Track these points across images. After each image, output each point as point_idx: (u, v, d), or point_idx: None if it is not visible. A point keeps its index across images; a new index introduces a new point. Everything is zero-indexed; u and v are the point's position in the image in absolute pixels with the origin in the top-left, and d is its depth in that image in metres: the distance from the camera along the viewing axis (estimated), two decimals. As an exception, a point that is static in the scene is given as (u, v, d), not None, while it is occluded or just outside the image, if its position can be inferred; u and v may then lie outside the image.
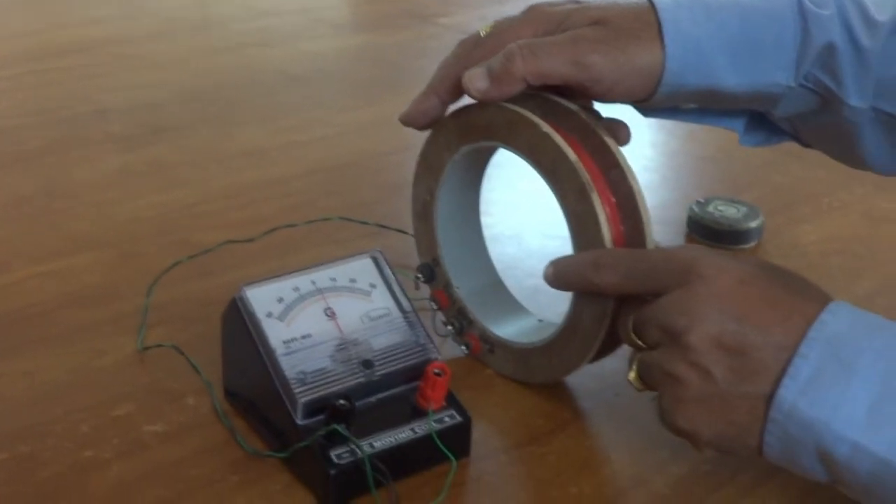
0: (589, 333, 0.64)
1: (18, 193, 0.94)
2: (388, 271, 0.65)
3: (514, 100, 0.65)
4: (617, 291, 0.60)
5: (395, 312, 0.64)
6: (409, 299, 0.65)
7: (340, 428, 0.57)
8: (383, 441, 0.59)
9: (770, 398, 0.53)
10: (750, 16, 0.64)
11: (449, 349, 0.72)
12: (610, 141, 0.63)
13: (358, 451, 0.58)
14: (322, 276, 0.64)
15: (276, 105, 1.18)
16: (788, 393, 0.53)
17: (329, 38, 1.45)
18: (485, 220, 0.75)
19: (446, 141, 0.70)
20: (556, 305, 0.74)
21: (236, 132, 1.10)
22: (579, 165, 0.62)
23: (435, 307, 0.73)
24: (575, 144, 0.63)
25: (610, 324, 0.62)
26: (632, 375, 0.59)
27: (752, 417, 0.54)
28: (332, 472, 0.57)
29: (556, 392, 0.69)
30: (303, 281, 0.63)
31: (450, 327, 0.72)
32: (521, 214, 0.93)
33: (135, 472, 0.61)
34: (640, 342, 0.59)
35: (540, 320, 0.72)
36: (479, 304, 0.72)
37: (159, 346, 0.71)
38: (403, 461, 0.60)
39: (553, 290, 0.76)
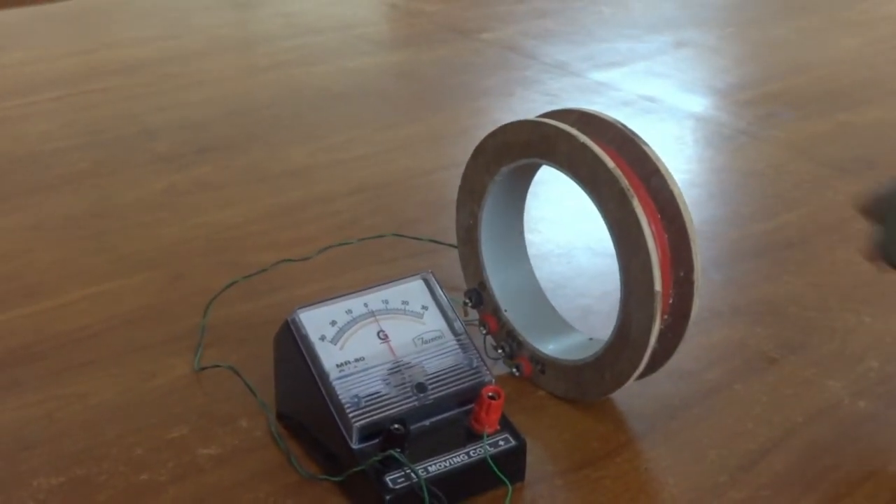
0: (639, 342, 0.63)
1: (67, 215, 0.95)
2: (439, 293, 0.65)
3: (551, 116, 0.65)
4: None
5: (448, 335, 0.64)
6: (461, 321, 0.64)
7: (396, 453, 0.57)
8: (438, 465, 0.59)
9: None
10: None
11: (500, 369, 0.71)
12: (649, 149, 0.64)
13: (414, 475, 0.57)
14: (374, 298, 0.63)
15: (319, 123, 1.18)
16: None
17: (370, 54, 1.45)
18: (532, 237, 0.75)
19: (485, 163, 0.70)
20: (607, 326, 0.73)
21: (280, 151, 1.10)
22: (617, 172, 0.62)
23: (484, 332, 0.72)
24: (613, 154, 0.64)
25: (660, 328, 0.62)
26: None
27: None
28: (388, 497, 0.57)
29: (611, 414, 0.68)
30: (355, 303, 0.63)
31: (500, 351, 0.72)
32: (569, 232, 0.92)
33: (189, 496, 0.61)
34: None
35: (590, 339, 0.71)
36: (528, 325, 0.72)
37: (216, 366, 0.71)
38: (458, 486, 0.59)
39: (604, 310, 0.76)
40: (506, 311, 0.72)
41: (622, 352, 0.65)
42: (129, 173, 1.04)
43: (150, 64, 1.34)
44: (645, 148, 0.64)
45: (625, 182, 0.62)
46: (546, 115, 0.68)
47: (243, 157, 1.08)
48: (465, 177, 0.72)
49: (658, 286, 0.61)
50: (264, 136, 1.14)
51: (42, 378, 0.71)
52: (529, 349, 0.71)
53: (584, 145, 0.63)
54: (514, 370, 0.71)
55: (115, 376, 0.71)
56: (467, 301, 0.73)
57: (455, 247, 0.76)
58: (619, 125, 0.65)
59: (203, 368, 0.71)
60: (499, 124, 0.69)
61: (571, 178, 0.64)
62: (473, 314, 0.73)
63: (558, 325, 0.73)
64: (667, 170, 0.63)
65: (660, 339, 0.63)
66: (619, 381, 0.66)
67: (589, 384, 0.68)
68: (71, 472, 0.62)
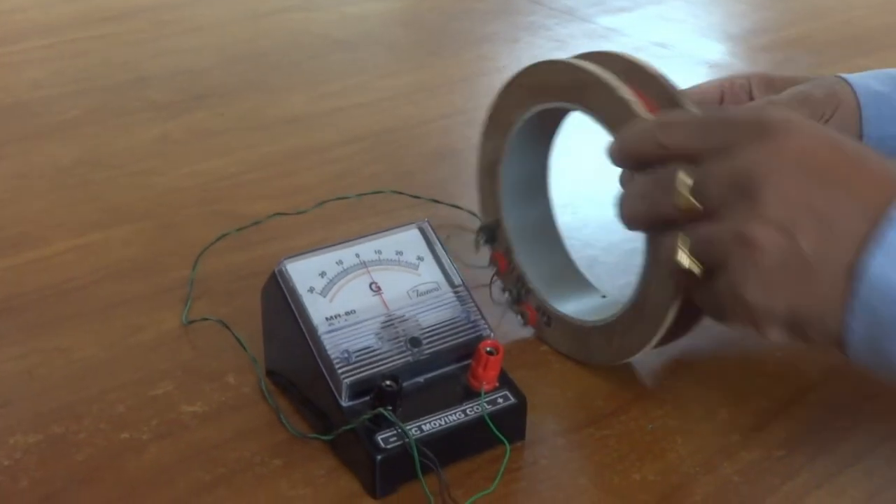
0: (655, 317, 0.60)
1: (57, 164, 0.92)
2: (437, 243, 0.62)
3: (594, 58, 0.61)
4: (689, 153, 0.52)
5: (445, 287, 0.61)
6: (459, 273, 0.61)
7: (387, 412, 0.54)
8: (432, 424, 0.56)
9: (853, 268, 0.47)
10: None
11: (502, 325, 0.68)
12: (692, 107, 0.59)
13: (404, 436, 0.54)
14: (367, 248, 0.60)
15: (319, 70, 1.14)
16: (875, 262, 0.46)
17: (373, 0, 1.41)
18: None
19: (518, 99, 0.65)
20: (614, 277, 0.71)
21: (278, 98, 1.06)
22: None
23: (493, 271, 0.69)
24: (652, 109, 0.59)
25: (680, 307, 0.58)
26: (682, 255, 0.51)
27: (833, 292, 0.47)
28: (379, 457, 0.54)
29: (617, 371, 0.65)
30: (346, 254, 0.60)
31: (507, 294, 0.69)
32: (576, 183, 0.88)
33: (172, 455, 0.58)
34: (697, 204, 0.51)
35: (603, 296, 0.68)
36: (540, 273, 0.68)
37: (204, 319, 0.68)
38: (454, 445, 0.56)
39: (611, 261, 0.72)
40: (518, 254, 0.68)
41: (635, 324, 0.61)
42: (121, 121, 1.00)
43: (145, 10, 1.30)
44: (690, 108, 0.59)
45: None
46: (587, 56, 0.63)
47: (239, 104, 1.05)
48: (495, 107, 0.68)
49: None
50: (262, 83, 1.10)
51: (24, 331, 0.68)
52: (538, 299, 0.67)
53: (624, 101, 0.58)
54: (519, 318, 0.68)
55: (99, 330, 0.68)
56: (480, 236, 0.70)
57: (455, 206, 0.72)
58: (664, 80, 0.60)
59: (191, 322, 0.68)
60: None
61: (607, 130, 0.60)
62: (476, 262, 0.70)
63: (573, 277, 0.70)
64: None
65: (677, 317, 0.59)
66: (628, 353, 0.63)
67: (595, 349, 0.65)
68: (49, 430, 0.59)
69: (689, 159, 0.52)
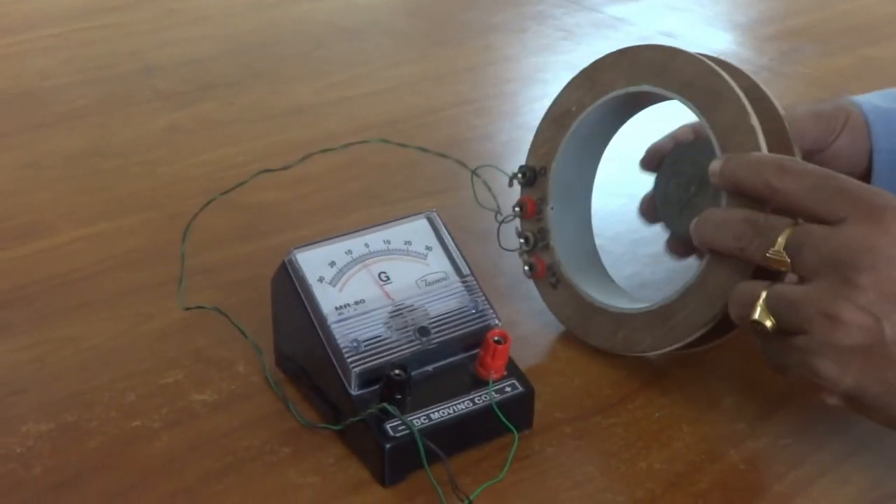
0: (679, 331, 0.60)
1: (65, 154, 0.92)
2: (445, 233, 0.62)
3: (727, 71, 0.60)
4: (793, 204, 0.53)
5: (453, 276, 0.61)
6: (467, 262, 0.61)
7: (391, 407, 0.54)
8: (441, 413, 0.56)
9: None
10: None
11: (507, 314, 0.68)
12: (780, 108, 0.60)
13: (412, 424, 0.55)
14: (375, 238, 0.60)
15: (325, 60, 1.14)
16: None
17: (380, -11, 1.41)
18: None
19: (632, 71, 0.63)
20: (620, 267, 0.71)
21: (285, 88, 1.06)
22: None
23: (518, 213, 0.68)
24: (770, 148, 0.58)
25: (708, 332, 0.59)
26: (759, 311, 0.52)
27: None
28: (388, 445, 0.54)
29: (623, 360, 0.65)
30: (355, 244, 0.60)
31: (522, 241, 0.68)
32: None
33: (183, 443, 0.58)
34: (790, 262, 0.52)
35: (612, 281, 0.68)
36: (566, 236, 0.68)
37: (200, 307, 0.68)
38: (462, 434, 0.57)
39: (616, 251, 0.72)
40: (552, 208, 0.67)
41: (652, 328, 0.61)
42: (128, 111, 1.01)
43: (152, 0, 1.30)
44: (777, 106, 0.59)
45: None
46: (718, 62, 0.62)
47: (246, 94, 1.05)
48: (597, 65, 0.65)
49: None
50: (268, 73, 1.11)
51: (34, 321, 0.69)
52: (553, 258, 0.67)
53: (752, 129, 0.58)
54: (527, 268, 0.68)
55: (108, 319, 0.69)
56: (519, 175, 0.68)
57: (442, 155, 0.70)
58: (786, 123, 0.60)
59: (188, 309, 0.68)
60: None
61: (716, 147, 0.59)
62: (487, 247, 0.70)
63: (596, 260, 0.70)
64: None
65: (700, 336, 0.60)
66: (632, 349, 0.63)
67: (595, 330, 0.65)
68: (61, 418, 0.60)
69: (793, 212, 0.53)
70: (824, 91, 1.06)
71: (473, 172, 0.66)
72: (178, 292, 0.70)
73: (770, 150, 0.58)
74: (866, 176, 0.68)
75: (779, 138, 0.59)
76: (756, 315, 0.53)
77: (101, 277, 0.74)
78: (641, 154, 0.69)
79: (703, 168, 0.60)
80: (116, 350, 0.66)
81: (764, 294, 0.53)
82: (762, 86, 0.61)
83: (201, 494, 0.55)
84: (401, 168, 0.88)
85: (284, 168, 0.77)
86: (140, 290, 0.72)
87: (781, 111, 0.60)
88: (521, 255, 0.69)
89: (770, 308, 0.52)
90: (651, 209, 0.68)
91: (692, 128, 0.69)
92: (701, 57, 0.61)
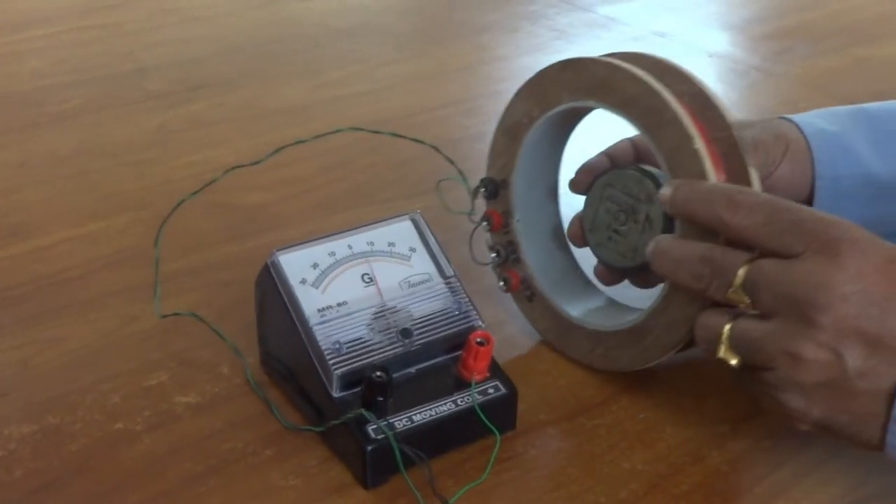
0: (652, 351, 0.60)
1: (56, 154, 0.92)
2: (428, 234, 0.62)
3: (670, 82, 0.59)
4: (746, 239, 0.52)
5: (436, 278, 0.61)
6: (450, 263, 0.61)
7: (367, 413, 0.54)
8: (423, 415, 0.56)
9: (892, 395, 0.49)
10: (879, 114, 0.68)
11: (492, 315, 0.68)
12: (754, 172, 0.58)
13: (393, 427, 0.55)
14: (359, 239, 0.60)
15: (318, 59, 1.14)
16: None
17: (374, -11, 1.41)
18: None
19: (575, 85, 0.62)
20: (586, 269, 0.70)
21: (277, 88, 1.06)
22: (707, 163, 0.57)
23: (486, 227, 0.67)
24: (717, 162, 0.57)
25: (681, 348, 0.58)
26: (723, 349, 0.52)
27: (872, 410, 0.49)
28: (369, 448, 0.54)
29: (607, 361, 0.65)
30: (339, 245, 0.60)
31: (494, 255, 0.68)
32: (569, 176, 0.88)
33: (165, 446, 0.58)
34: (749, 301, 0.52)
35: (588, 282, 0.68)
36: (535, 247, 0.67)
37: (176, 314, 0.67)
38: (445, 436, 0.57)
39: (593, 259, 0.71)
40: (518, 220, 0.67)
41: (628, 346, 0.61)
42: (120, 111, 1.01)
43: (146, 0, 1.30)
44: (750, 169, 0.57)
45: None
46: (659, 66, 0.61)
47: (238, 94, 1.05)
48: (543, 75, 0.64)
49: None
50: (260, 73, 1.11)
51: (20, 322, 0.69)
52: (526, 271, 0.67)
53: (696, 151, 0.56)
54: (502, 283, 0.67)
55: (94, 321, 0.69)
56: (482, 188, 0.67)
57: (418, 141, 0.69)
58: (735, 131, 0.58)
59: (164, 316, 0.67)
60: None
61: (664, 167, 0.58)
62: (461, 254, 0.70)
63: (570, 266, 0.69)
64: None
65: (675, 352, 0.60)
66: (610, 365, 0.63)
67: (573, 344, 0.65)
68: (44, 421, 0.60)
69: (748, 246, 0.53)
70: (816, 91, 1.05)
71: (438, 185, 0.65)
72: (166, 293, 0.70)
73: (722, 160, 0.57)
74: (808, 203, 0.66)
75: (728, 146, 0.58)
76: (721, 353, 0.53)
77: (89, 278, 0.74)
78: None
79: (635, 198, 0.60)
80: (101, 351, 0.66)
81: (727, 330, 0.53)
82: (709, 92, 0.59)
83: (183, 497, 0.55)
84: (390, 168, 0.89)
85: (255, 163, 0.74)
86: (127, 290, 0.72)
87: (730, 119, 0.58)
88: (493, 268, 0.68)
89: (734, 346, 0.52)
90: (579, 232, 0.65)
91: (631, 142, 0.67)
92: (640, 75, 0.59)
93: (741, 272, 0.52)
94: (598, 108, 0.62)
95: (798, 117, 0.68)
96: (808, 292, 0.49)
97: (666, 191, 0.57)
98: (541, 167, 0.67)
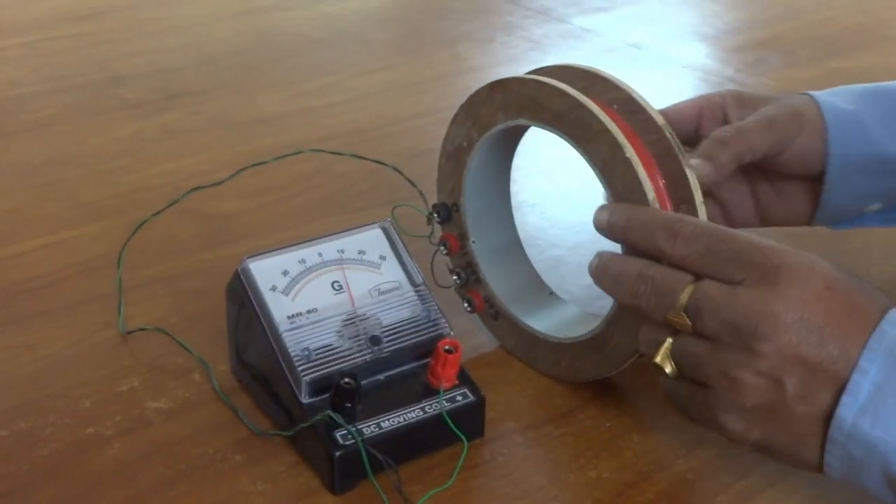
0: (615, 358, 0.60)
1: (30, 162, 0.92)
2: (399, 242, 0.62)
3: (601, 91, 0.60)
4: (686, 267, 0.53)
5: (406, 286, 0.61)
6: (420, 272, 0.62)
7: (336, 416, 0.55)
8: (391, 421, 0.57)
9: (829, 417, 0.50)
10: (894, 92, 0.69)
11: (461, 323, 0.68)
12: (690, 173, 0.58)
13: (361, 433, 0.55)
14: (329, 247, 0.61)
15: (293, 69, 1.15)
16: (847, 412, 0.49)
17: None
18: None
19: (506, 105, 0.63)
20: (579, 277, 0.71)
21: (252, 97, 1.07)
22: (655, 201, 0.57)
23: (444, 251, 0.68)
24: (651, 168, 0.58)
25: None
26: (661, 357, 0.53)
27: (810, 432, 0.50)
28: (337, 453, 0.55)
29: (576, 369, 0.66)
30: (309, 253, 0.60)
31: (455, 279, 0.68)
32: (543, 182, 0.89)
33: (136, 451, 0.59)
34: (690, 324, 0.52)
35: (551, 292, 0.68)
36: (494, 266, 0.68)
37: (142, 329, 0.68)
38: (413, 442, 0.57)
39: (576, 261, 0.73)
40: (473, 241, 0.67)
41: (591, 355, 0.62)
42: (95, 120, 1.01)
43: (122, 9, 1.30)
44: (687, 170, 0.58)
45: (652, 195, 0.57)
46: (590, 77, 0.62)
47: (213, 103, 1.05)
48: (474, 99, 0.65)
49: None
50: (236, 82, 1.11)
51: (-8, 329, 0.69)
52: (487, 290, 0.67)
53: (627, 161, 0.57)
54: (466, 305, 0.68)
55: (67, 327, 0.69)
56: (435, 214, 0.68)
57: (379, 163, 0.70)
58: (668, 132, 0.59)
59: (129, 332, 0.68)
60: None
61: (601, 181, 0.59)
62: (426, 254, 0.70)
63: (531, 280, 0.69)
64: (701, 203, 0.58)
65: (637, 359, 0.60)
66: (577, 376, 0.64)
67: (541, 358, 0.65)
68: (14, 426, 0.60)
69: (688, 272, 0.53)
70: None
71: (392, 211, 0.66)
72: (137, 300, 0.71)
73: (658, 164, 0.58)
74: (820, 177, 0.68)
75: (662, 149, 0.59)
76: (658, 359, 0.53)
77: (62, 285, 0.74)
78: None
79: None
80: (74, 357, 0.66)
81: (669, 341, 0.53)
82: (637, 96, 0.60)
83: (153, 501, 0.56)
84: (365, 177, 0.89)
85: (216, 184, 0.76)
86: (99, 298, 0.72)
87: (660, 121, 0.59)
88: (456, 291, 0.69)
89: (674, 357, 0.53)
90: None
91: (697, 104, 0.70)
92: (565, 89, 0.59)
93: (684, 295, 0.52)
94: (530, 125, 0.62)
95: (820, 95, 0.69)
96: (750, 320, 0.50)
97: (602, 215, 0.57)
98: (489, 187, 0.68)
